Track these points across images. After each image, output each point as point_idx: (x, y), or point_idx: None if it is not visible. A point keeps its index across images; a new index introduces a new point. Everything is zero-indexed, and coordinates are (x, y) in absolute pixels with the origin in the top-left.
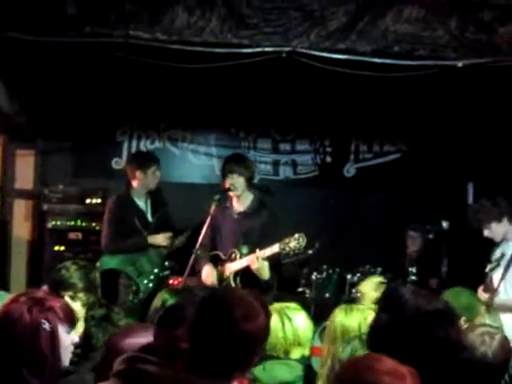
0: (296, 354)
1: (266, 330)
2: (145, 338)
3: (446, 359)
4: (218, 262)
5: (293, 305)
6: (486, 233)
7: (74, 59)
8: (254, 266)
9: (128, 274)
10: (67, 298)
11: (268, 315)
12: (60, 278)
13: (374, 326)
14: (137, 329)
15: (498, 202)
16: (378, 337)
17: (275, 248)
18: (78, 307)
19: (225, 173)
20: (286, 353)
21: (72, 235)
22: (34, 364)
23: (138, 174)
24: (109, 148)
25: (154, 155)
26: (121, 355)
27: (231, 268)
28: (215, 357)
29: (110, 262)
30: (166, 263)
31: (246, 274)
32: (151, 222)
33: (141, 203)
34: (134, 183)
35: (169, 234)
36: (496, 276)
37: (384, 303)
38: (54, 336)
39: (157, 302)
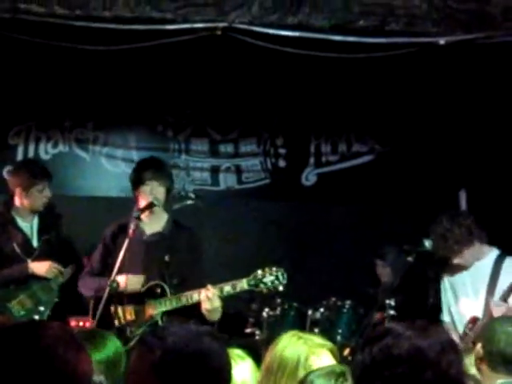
0: None
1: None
2: None
3: None
4: (124, 299)
5: (237, 351)
6: (457, 260)
7: None
8: (207, 306)
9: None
10: None
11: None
12: None
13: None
14: None
15: (466, 223)
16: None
17: (241, 285)
18: None
19: (141, 182)
20: None
21: None
22: None
23: (19, 191)
24: None
25: (43, 168)
26: None
27: (160, 306)
28: None
29: None
30: (56, 300)
31: (175, 313)
32: (36, 247)
33: (25, 224)
34: (17, 201)
35: (54, 264)
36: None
37: (371, 339)
38: None
39: None
